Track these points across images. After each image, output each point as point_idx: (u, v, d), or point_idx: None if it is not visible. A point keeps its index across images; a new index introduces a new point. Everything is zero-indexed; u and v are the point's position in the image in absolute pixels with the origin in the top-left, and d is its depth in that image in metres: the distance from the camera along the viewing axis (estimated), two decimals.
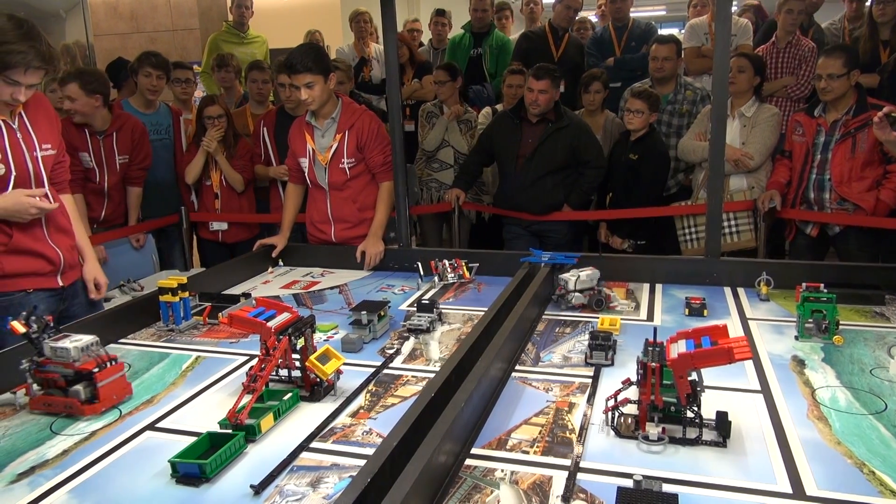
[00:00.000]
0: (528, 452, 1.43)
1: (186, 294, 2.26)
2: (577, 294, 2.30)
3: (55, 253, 2.21)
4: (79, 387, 1.65)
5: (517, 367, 1.86)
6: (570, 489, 1.29)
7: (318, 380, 1.69)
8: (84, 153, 3.43)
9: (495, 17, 5.50)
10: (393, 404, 1.67)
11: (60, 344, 1.67)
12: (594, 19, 6.22)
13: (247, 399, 1.56)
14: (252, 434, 1.50)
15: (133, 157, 3.61)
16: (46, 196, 2.18)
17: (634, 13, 4.97)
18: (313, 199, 3.15)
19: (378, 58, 5.38)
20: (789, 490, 1.28)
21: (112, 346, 2.13)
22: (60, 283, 2.26)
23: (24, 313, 1.71)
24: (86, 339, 1.71)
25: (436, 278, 2.70)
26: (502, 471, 1.36)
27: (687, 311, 2.23)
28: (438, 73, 4.33)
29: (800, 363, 1.83)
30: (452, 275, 2.70)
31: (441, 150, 4.35)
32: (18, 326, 1.68)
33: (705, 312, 2.21)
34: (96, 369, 1.66)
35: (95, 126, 3.43)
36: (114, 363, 1.72)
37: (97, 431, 1.59)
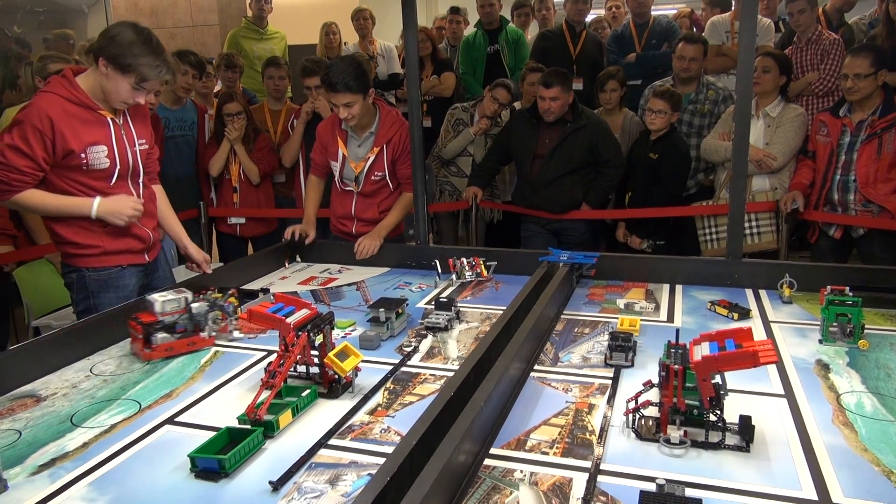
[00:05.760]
0: (547, 453, 1.41)
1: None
2: None
3: (146, 233, 2.46)
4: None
5: (536, 367, 1.85)
6: (591, 491, 1.27)
7: (337, 376, 1.69)
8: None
9: (515, 14, 5.47)
10: (411, 402, 1.66)
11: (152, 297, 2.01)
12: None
13: (265, 395, 1.56)
14: (270, 430, 1.50)
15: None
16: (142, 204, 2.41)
17: (654, 11, 4.93)
18: (338, 195, 3.16)
19: (384, 54, 5.39)
20: (815, 497, 1.25)
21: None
22: (147, 259, 2.50)
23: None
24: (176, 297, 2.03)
25: (453, 276, 2.69)
26: (521, 471, 1.35)
27: (736, 315, 2.17)
28: (501, 92, 4.16)
29: (824, 367, 1.80)
30: (470, 273, 2.68)
31: (459, 157, 4.32)
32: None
33: (751, 314, 2.19)
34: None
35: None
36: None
37: (117, 424, 1.60)
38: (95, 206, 2.28)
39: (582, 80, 4.66)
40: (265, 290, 2.49)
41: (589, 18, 5.50)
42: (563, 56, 4.67)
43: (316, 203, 3.16)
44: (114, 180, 2.34)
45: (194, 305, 2.04)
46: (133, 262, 2.44)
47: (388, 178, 3.04)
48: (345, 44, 5.69)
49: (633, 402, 1.48)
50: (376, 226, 3.01)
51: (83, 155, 2.24)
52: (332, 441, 1.49)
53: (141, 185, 2.45)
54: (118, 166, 2.33)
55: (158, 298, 1.98)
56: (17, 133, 2.17)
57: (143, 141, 2.44)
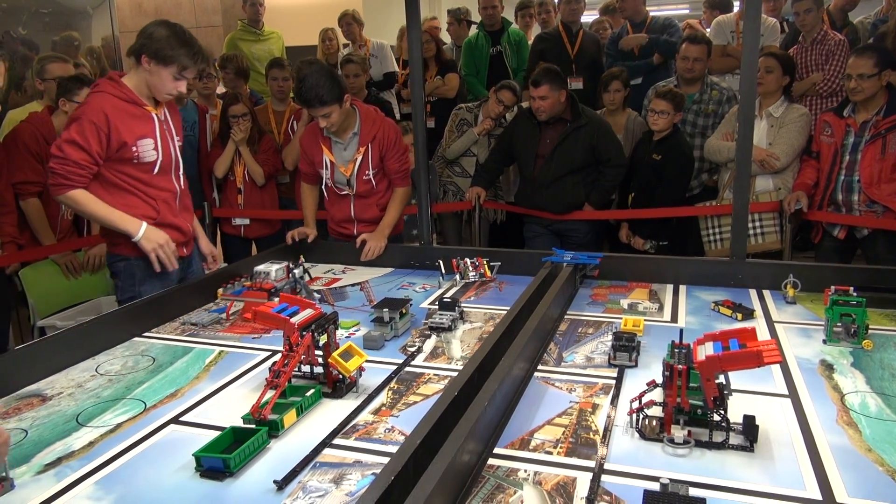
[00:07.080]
0: (551, 453, 1.42)
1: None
2: None
3: (187, 227, 2.62)
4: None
5: (539, 367, 1.85)
6: (595, 491, 1.28)
7: (341, 376, 1.70)
8: None
9: (518, 15, 5.48)
10: (415, 402, 1.67)
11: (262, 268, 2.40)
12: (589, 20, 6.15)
13: (270, 394, 1.56)
14: (275, 429, 1.51)
15: None
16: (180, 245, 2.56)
17: (658, 11, 4.93)
18: (334, 200, 3.15)
19: (376, 53, 5.40)
20: (819, 497, 1.25)
21: (136, 339, 2.16)
22: (185, 252, 2.62)
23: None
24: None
25: (457, 277, 2.69)
26: (525, 471, 1.35)
27: (740, 315, 2.17)
28: (506, 94, 4.15)
29: (828, 367, 1.80)
30: (474, 273, 2.69)
31: (463, 158, 4.33)
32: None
33: (755, 314, 2.19)
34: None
35: None
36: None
37: (122, 424, 1.60)
38: (142, 231, 2.39)
39: (582, 80, 4.67)
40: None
41: (590, 20, 5.50)
42: (561, 57, 4.66)
43: (313, 205, 3.17)
44: (157, 170, 2.47)
45: (296, 271, 2.34)
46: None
47: (379, 175, 3.04)
48: (344, 45, 5.70)
49: (637, 401, 1.49)
50: (377, 227, 3.02)
51: (135, 148, 2.38)
52: (337, 441, 1.49)
53: (182, 177, 2.60)
54: (161, 158, 2.46)
55: (272, 268, 2.27)
56: (75, 128, 2.31)
57: (178, 137, 2.61)
